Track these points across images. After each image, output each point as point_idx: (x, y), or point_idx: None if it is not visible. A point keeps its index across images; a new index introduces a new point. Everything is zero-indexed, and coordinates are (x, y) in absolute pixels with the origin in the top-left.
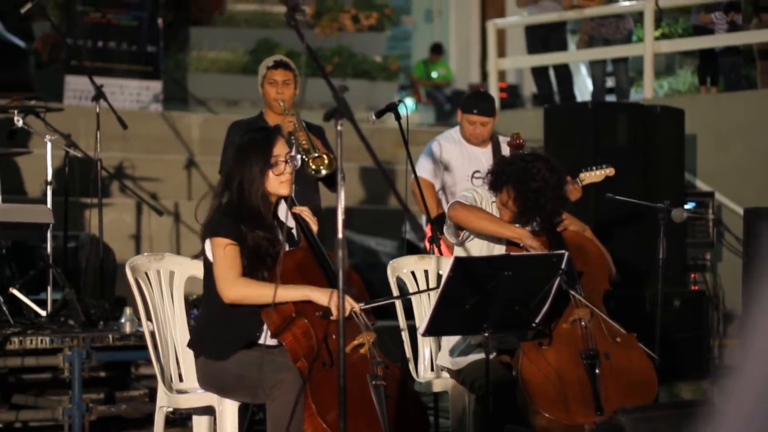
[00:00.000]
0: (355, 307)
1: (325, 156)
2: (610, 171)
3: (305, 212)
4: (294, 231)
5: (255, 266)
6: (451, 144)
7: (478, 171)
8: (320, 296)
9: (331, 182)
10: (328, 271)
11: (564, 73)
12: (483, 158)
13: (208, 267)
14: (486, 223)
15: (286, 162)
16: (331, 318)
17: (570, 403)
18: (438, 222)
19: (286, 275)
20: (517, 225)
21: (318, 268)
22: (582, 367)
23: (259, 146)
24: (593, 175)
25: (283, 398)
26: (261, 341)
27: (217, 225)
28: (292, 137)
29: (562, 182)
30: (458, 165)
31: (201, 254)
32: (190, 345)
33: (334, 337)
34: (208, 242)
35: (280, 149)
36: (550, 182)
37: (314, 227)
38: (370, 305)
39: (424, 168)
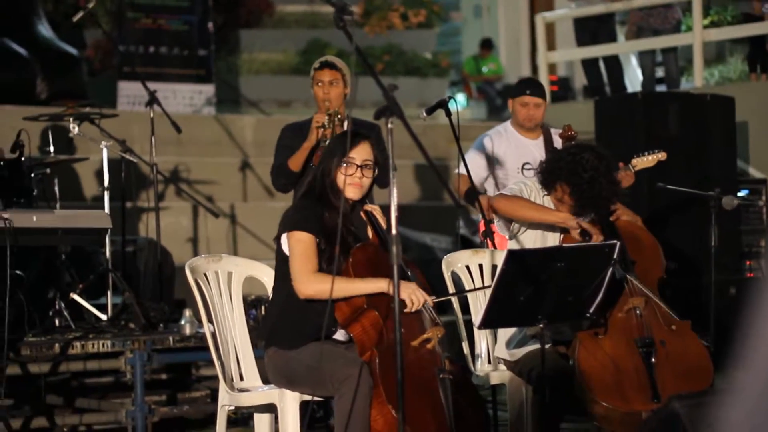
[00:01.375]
0: (428, 299)
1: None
2: (662, 155)
3: (376, 210)
4: (368, 230)
5: (332, 260)
6: (498, 138)
7: (528, 163)
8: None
9: (379, 178)
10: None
11: (614, 64)
12: (534, 149)
13: (283, 259)
14: (529, 211)
15: (359, 166)
16: (404, 310)
17: (627, 391)
18: (468, 197)
19: (359, 269)
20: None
21: (388, 263)
22: (638, 355)
23: (340, 144)
24: (645, 161)
25: (351, 394)
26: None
27: (293, 219)
28: (323, 133)
29: (612, 168)
30: (507, 158)
31: (276, 240)
32: (260, 336)
33: (402, 330)
34: (284, 236)
35: (358, 153)
36: (600, 170)
37: (383, 223)
38: (442, 299)
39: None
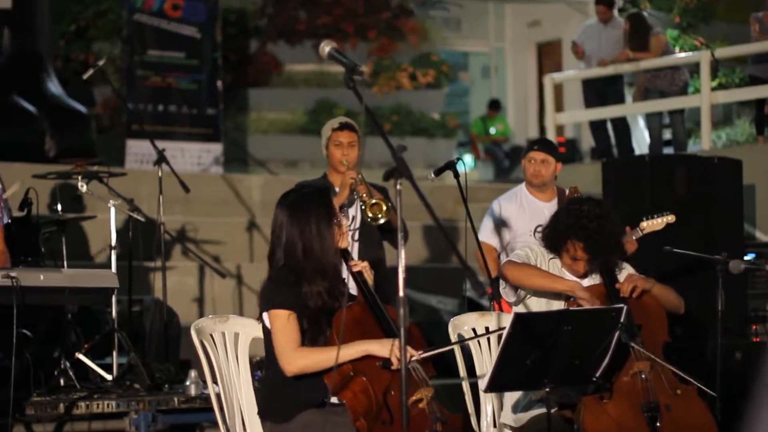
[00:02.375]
0: (414, 354)
1: (382, 203)
2: (670, 218)
3: (363, 267)
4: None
5: (316, 330)
6: (509, 202)
7: (540, 225)
8: (378, 348)
9: (393, 237)
10: (385, 325)
11: (622, 126)
12: (547, 212)
13: (268, 336)
14: (538, 279)
15: (342, 214)
16: (392, 368)
17: None
18: (497, 281)
19: (344, 333)
20: (571, 278)
21: (375, 322)
22: (643, 420)
23: (320, 203)
24: (654, 224)
25: None
26: (327, 399)
27: (272, 296)
28: (353, 190)
29: (612, 210)
30: (518, 222)
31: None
32: (258, 412)
33: (393, 393)
34: (265, 314)
35: (335, 203)
36: (604, 216)
37: (371, 283)
38: (429, 354)
39: (484, 231)
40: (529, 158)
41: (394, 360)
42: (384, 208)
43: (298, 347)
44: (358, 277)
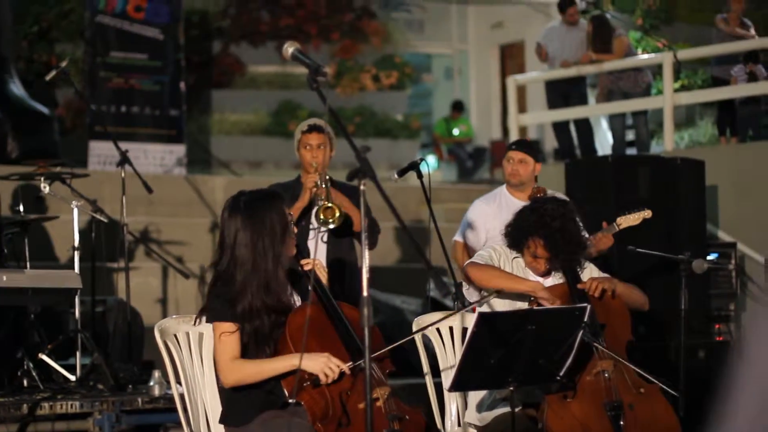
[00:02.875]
0: (343, 367)
1: (335, 208)
2: (647, 213)
3: (315, 264)
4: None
5: (257, 347)
6: (488, 203)
7: None
8: (309, 363)
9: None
10: (339, 325)
11: (585, 127)
12: None
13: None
14: (500, 280)
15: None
16: (321, 384)
17: None
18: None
19: (297, 336)
20: (533, 278)
21: (329, 322)
22: (606, 419)
23: (275, 215)
24: (631, 219)
25: None
26: (287, 401)
27: (215, 308)
28: (314, 194)
29: (575, 211)
30: (495, 221)
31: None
32: (219, 419)
33: (349, 394)
34: (210, 326)
35: (297, 206)
36: (567, 215)
37: (323, 278)
38: (355, 364)
39: (461, 231)
40: (508, 158)
41: (323, 377)
42: (336, 214)
43: (234, 360)
44: (310, 276)
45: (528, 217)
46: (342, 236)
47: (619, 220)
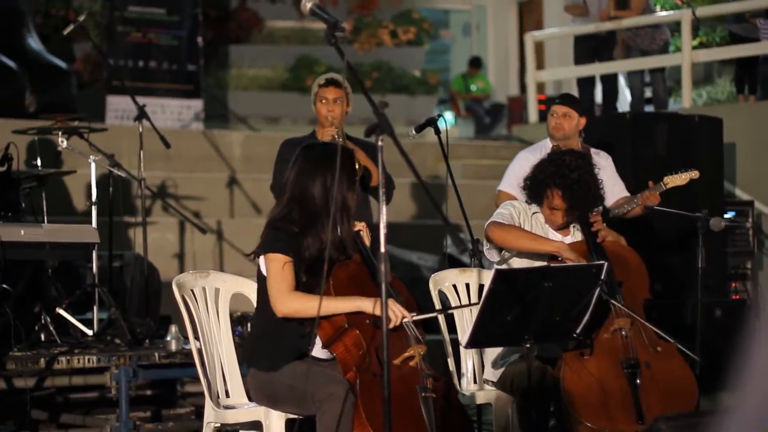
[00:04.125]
0: (407, 315)
1: (356, 161)
2: (694, 174)
3: (362, 227)
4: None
5: (314, 281)
6: (533, 154)
7: None
8: (370, 305)
9: (377, 193)
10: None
11: (610, 86)
12: None
13: (262, 281)
14: (524, 241)
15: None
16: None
17: (611, 412)
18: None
19: (340, 287)
20: (557, 238)
21: (371, 281)
22: (623, 377)
23: (349, 164)
24: (678, 179)
25: (333, 411)
26: (311, 353)
27: (271, 241)
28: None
29: (592, 164)
30: None
31: (254, 256)
32: (242, 357)
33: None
34: (262, 258)
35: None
36: (585, 167)
37: (367, 242)
38: (420, 317)
39: (506, 182)
40: (552, 112)
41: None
42: (356, 166)
43: (292, 290)
44: (356, 237)
45: (546, 168)
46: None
47: (666, 179)
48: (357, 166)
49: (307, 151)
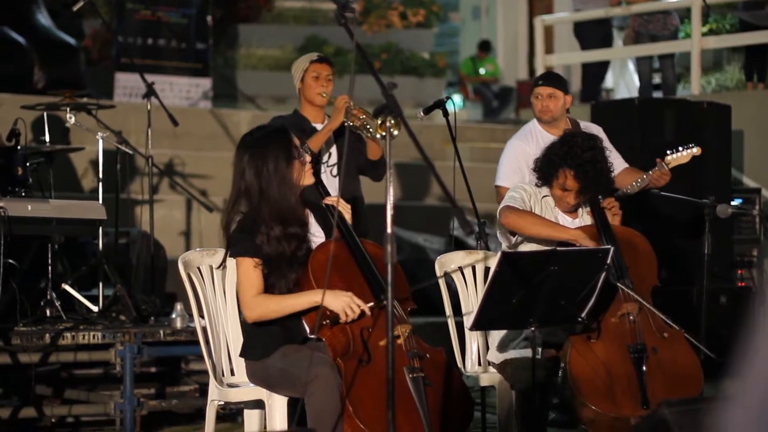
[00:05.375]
0: (364, 307)
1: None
2: (696, 150)
3: (337, 201)
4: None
5: (278, 275)
6: (525, 141)
7: None
8: (331, 301)
9: (375, 171)
10: (361, 262)
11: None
12: None
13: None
14: (540, 228)
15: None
16: (341, 322)
17: (617, 396)
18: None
19: (319, 269)
20: (567, 221)
21: (352, 259)
22: (629, 361)
23: (277, 143)
24: (680, 157)
25: (319, 393)
26: (306, 335)
27: (236, 244)
28: (349, 116)
29: (603, 147)
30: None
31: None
32: (239, 353)
33: (370, 331)
34: (234, 261)
35: (296, 141)
36: (597, 147)
37: (347, 216)
38: (376, 306)
39: (502, 175)
40: (536, 95)
41: (342, 316)
42: (393, 122)
43: (257, 296)
44: (333, 211)
45: (558, 149)
46: (348, 169)
47: (667, 158)
48: (294, 140)
49: (242, 142)
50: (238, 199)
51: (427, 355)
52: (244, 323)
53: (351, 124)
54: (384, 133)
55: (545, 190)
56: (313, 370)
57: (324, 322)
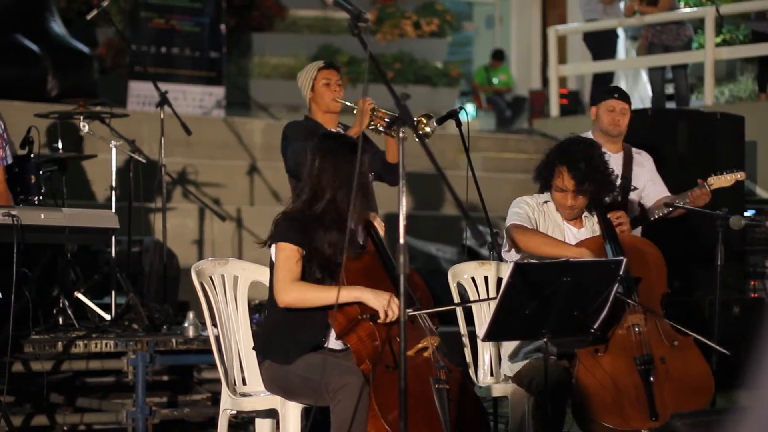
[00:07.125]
0: (408, 309)
1: (422, 117)
2: (740, 175)
3: (375, 219)
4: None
5: (324, 277)
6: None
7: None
8: (371, 297)
9: (392, 176)
10: (394, 276)
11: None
12: (614, 163)
13: (273, 268)
14: (548, 248)
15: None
16: (379, 321)
17: (626, 410)
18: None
19: (353, 278)
20: (572, 231)
21: (384, 272)
22: (637, 373)
23: (361, 162)
24: (723, 180)
25: (347, 401)
26: (326, 345)
27: (282, 230)
28: (374, 118)
29: (602, 151)
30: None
31: (266, 244)
32: (256, 349)
33: (398, 339)
34: (273, 247)
35: (355, 130)
36: (593, 148)
37: (381, 232)
38: (421, 312)
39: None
40: (610, 107)
41: (382, 314)
42: (425, 120)
43: (296, 280)
44: (369, 227)
45: (554, 150)
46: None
47: (710, 180)
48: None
49: (323, 144)
50: (305, 191)
51: (452, 370)
52: (268, 320)
53: (376, 126)
54: (420, 132)
55: (546, 196)
56: (342, 379)
57: (362, 317)
